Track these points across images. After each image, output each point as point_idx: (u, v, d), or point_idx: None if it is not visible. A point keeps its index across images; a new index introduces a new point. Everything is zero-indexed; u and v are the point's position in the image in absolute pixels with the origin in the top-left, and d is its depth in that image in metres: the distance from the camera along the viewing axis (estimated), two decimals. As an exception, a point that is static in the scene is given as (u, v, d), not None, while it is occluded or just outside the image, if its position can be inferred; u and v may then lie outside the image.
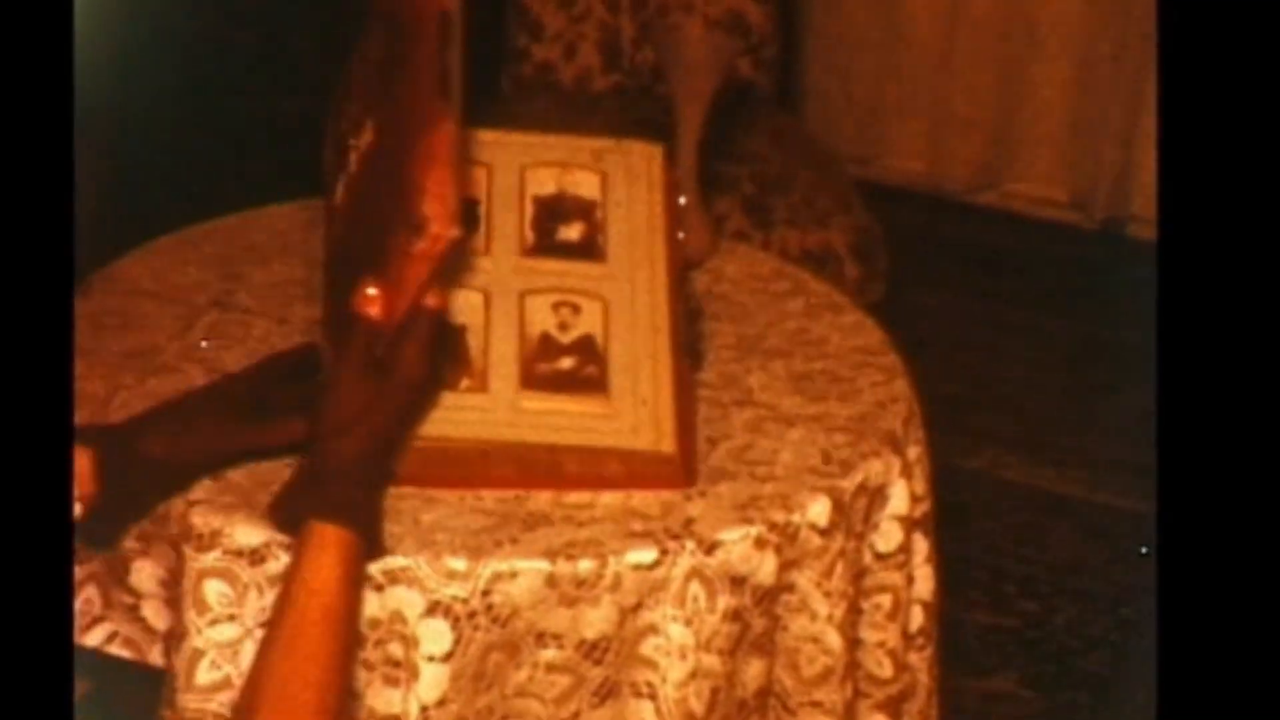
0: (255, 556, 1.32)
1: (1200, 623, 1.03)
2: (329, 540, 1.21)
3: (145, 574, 1.39)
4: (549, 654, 1.32)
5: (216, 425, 1.34)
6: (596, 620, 1.32)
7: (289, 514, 1.25)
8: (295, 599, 1.20)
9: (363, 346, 1.25)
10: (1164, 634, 1.04)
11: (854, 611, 1.47)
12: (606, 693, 1.34)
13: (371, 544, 1.25)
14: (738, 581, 1.36)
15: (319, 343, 1.39)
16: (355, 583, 1.23)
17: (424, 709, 1.29)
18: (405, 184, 1.22)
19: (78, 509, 1.27)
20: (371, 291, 1.24)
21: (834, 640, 1.42)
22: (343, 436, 1.24)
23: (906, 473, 1.51)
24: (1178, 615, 1.04)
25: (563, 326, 1.43)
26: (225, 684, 1.32)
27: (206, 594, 1.32)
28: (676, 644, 1.34)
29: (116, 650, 1.42)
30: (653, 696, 1.34)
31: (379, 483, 1.29)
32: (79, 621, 1.40)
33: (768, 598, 1.38)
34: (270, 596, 1.31)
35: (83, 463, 1.27)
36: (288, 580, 1.22)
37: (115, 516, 1.33)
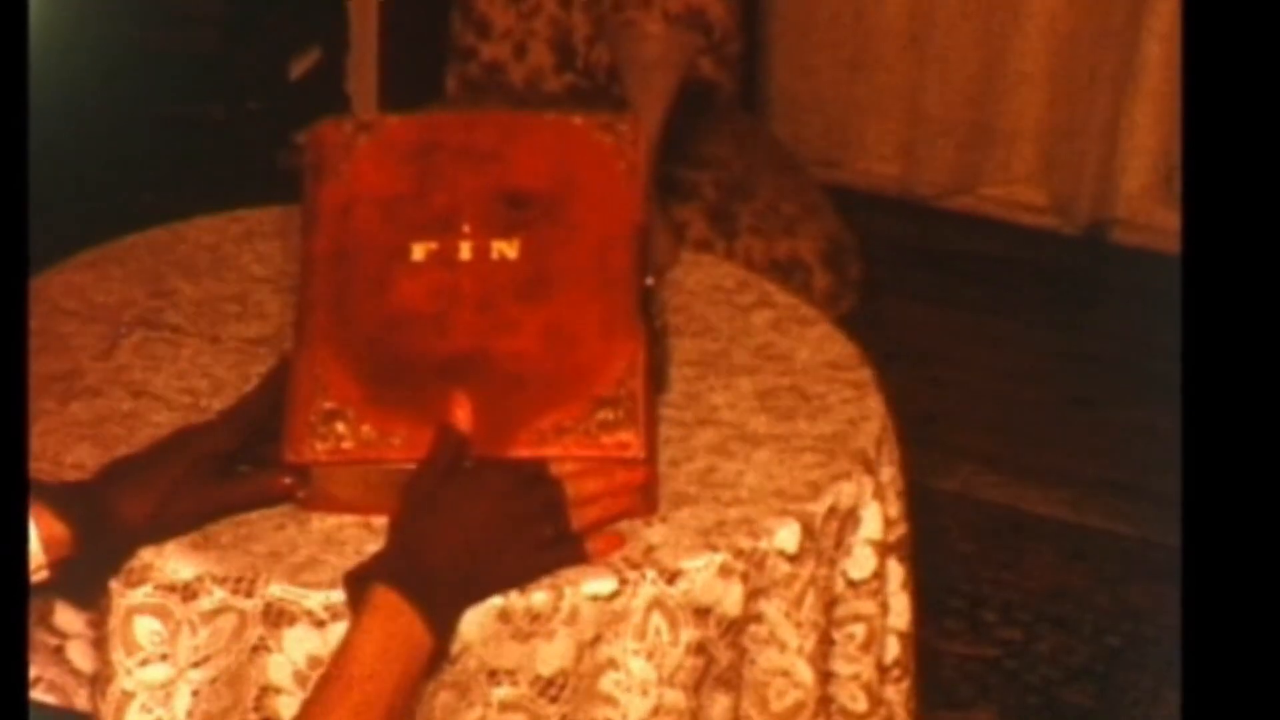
0: (188, 591, 1.32)
1: (1226, 654, 1.04)
2: (384, 607, 1.23)
3: (70, 613, 1.39)
4: (502, 692, 1.32)
5: (198, 485, 1.34)
6: (552, 655, 1.32)
7: (361, 581, 1.26)
8: (331, 662, 1.22)
9: (451, 453, 1.32)
10: (1188, 665, 1.05)
11: (825, 643, 1.47)
12: (564, 732, 1.34)
13: (440, 643, 1.25)
14: (702, 612, 1.36)
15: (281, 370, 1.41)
16: (401, 660, 1.22)
17: (369, 752, 1.29)
18: (586, 360, 1.37)
19: (46, 574, 1.28)
20: (464, 412, 1.33)
21: (805, 673, 1.43)
22: (417, 526, 1.28)
23: (880, 495, 1.52)
24: (1203, 647, 1.04)
25: None
26: (156, 729, 1.32)
27: (136, 632, 1.32)
28: (638, 679, 1.34)
29: (40, 696, 1.41)
30: (613, 736, 1.34)
31: (464, 592, 1.29)
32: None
33: (734, 629, 1.39)
34: (205, 634, 1.31)
35: (58, 529, 1.27)
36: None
37: (91, 577, 1.33)
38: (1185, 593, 1.07)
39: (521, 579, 1.31)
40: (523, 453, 1.34)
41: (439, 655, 1.27)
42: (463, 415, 1.34)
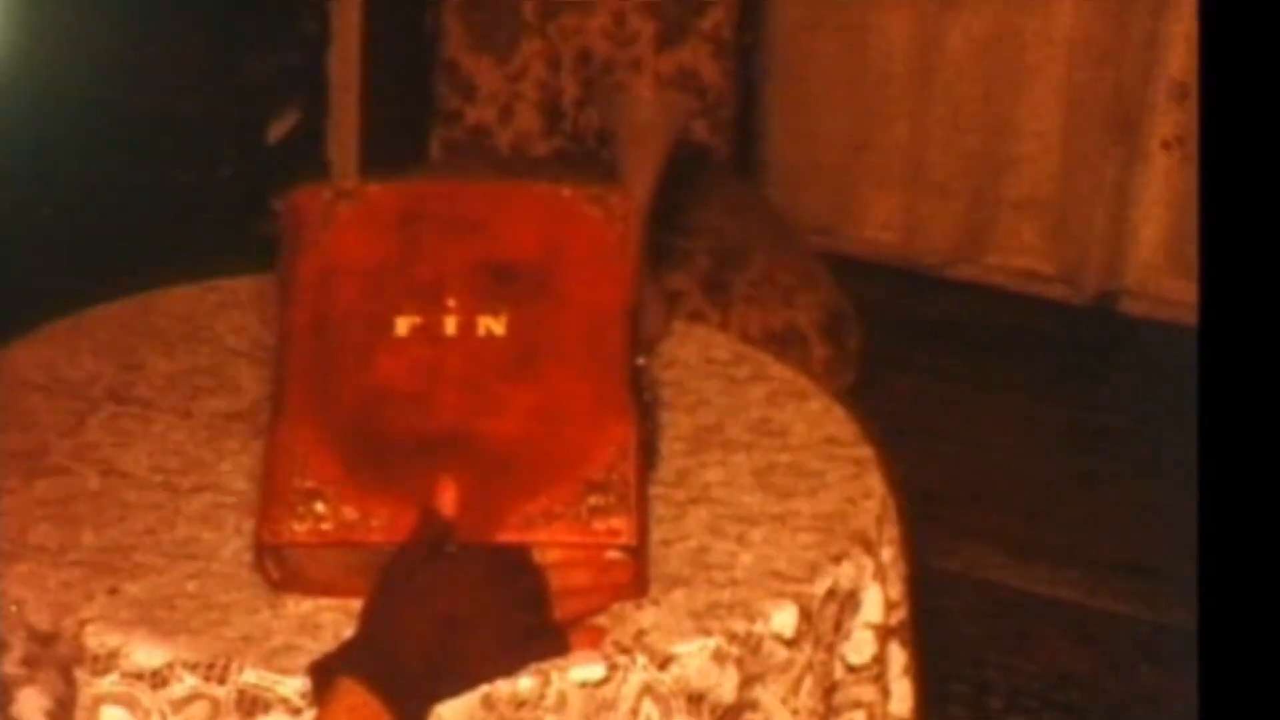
0: (157, 679, 1.31)
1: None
2: (350, 700, 1.23)
3: (30, 704, 1.38)
4: (486, 784, 1.32)
5: None
6: (539, 745, 1.32)
7: (326, 672, 1.26)
8: None
9: (432, 537, 1.32)
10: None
11: (825, 731, 1.47)
12: (550, 827, 1.34)
13: None
14: (695, 699, 1.36)
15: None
16: None
17: None
18: (576, 443, 1.38)
19: None
20: (449, 495, 1.34)
21: (803, 764, 1.43)
22: (389, 614, 1.28)
23: (880, 576, 1.52)
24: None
25: None
26: (123, 824, 1.31)
27: (102, 722, 1.32)
28: (628, 770, 1.34)
29: (-5, 791, 1.40)
30: (602, 830, 1.34)
31: (436, 686, 1.28)
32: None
33: (729, 716, 1.39)
34: (175, 723, 1.31)
35: None
36: None
37: None
38: (1202, 680, 1.07)
39: (499, 672, 1.31)
40: (509, 537, 1.34)
41: None
42: (448, 500, 1.34)
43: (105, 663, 1.32)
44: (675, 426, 1.64)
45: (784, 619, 1.41)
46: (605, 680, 1.33)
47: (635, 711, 1.34)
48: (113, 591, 1.37)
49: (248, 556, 1.42)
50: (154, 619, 1.35)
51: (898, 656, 1.57)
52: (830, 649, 1.47)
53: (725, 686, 1.37)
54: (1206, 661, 1.07)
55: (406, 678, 1.26)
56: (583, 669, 1.33)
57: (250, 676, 1.30)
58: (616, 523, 1.35)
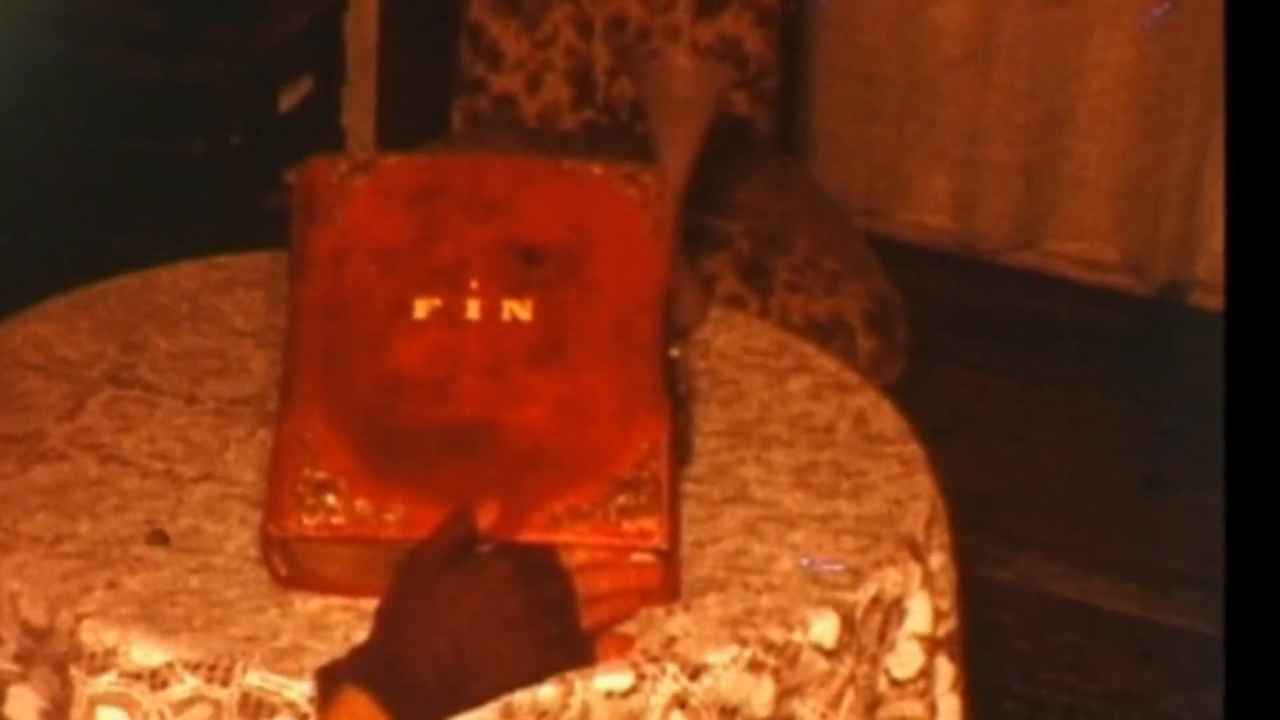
0: (157, 679, 1.32)
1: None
2: (354, 710, 1.24)
3: (23, 703, 1.39)
4: (504, 798, 1.33)
5: None
6: (560, 758, 1.33)
7: (333, 679, 1.27)
8: None
9: (457, 538, 1.32)
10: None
11: (866, 749, 1.48)
12: (572, 844, 1.34)
13: None
14: (728, 712, 1.36)
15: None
16: None
17: None
18: (605, 437, 1.38)
19: None
20: (491, 514, 1.34)
21: (842, 783, 1.43)
22: (405, 621, 1.29)
23: (929, 584, 1.52)
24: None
25: None
26: (119, 833, 1.32)
27: (99, 724, 1.33)
28: (655, 786, 1.34)
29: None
30: None
31: (448, 701, 1.28)
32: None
33: (764, 732, 1.39)
34: (176, 726, 1.32)
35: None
36: None
37: None
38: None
39: (520, 684, 1.31)
40: (533, 537, 1.35)
41: None
42: (489, 517, 1.34)
43: (102, 661, 1.33)
44: (710, 420, 1.64)
45: (824, 628, 1.41)
46: (632, 690, 1.34)
47: (664, 724, 1.34)
48: (111, 585, 1.39)
49: (254, 551, 1.43)
50: (154, 616, 1.36)
51: (946, 670, 1.57)
52: (873, 661, 1.47)
53: (760, 699, 1.38)
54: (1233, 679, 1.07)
55: (417, 692, 1.26)
56: (608, 677, 1.33)
57: (255, 679, 1.31)
58: (647, 524, 1.36)
